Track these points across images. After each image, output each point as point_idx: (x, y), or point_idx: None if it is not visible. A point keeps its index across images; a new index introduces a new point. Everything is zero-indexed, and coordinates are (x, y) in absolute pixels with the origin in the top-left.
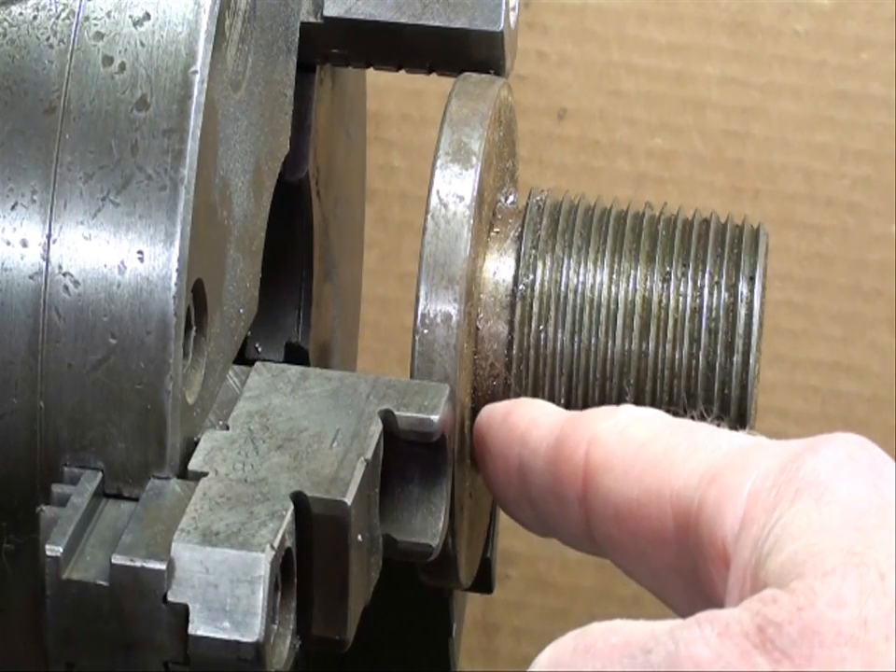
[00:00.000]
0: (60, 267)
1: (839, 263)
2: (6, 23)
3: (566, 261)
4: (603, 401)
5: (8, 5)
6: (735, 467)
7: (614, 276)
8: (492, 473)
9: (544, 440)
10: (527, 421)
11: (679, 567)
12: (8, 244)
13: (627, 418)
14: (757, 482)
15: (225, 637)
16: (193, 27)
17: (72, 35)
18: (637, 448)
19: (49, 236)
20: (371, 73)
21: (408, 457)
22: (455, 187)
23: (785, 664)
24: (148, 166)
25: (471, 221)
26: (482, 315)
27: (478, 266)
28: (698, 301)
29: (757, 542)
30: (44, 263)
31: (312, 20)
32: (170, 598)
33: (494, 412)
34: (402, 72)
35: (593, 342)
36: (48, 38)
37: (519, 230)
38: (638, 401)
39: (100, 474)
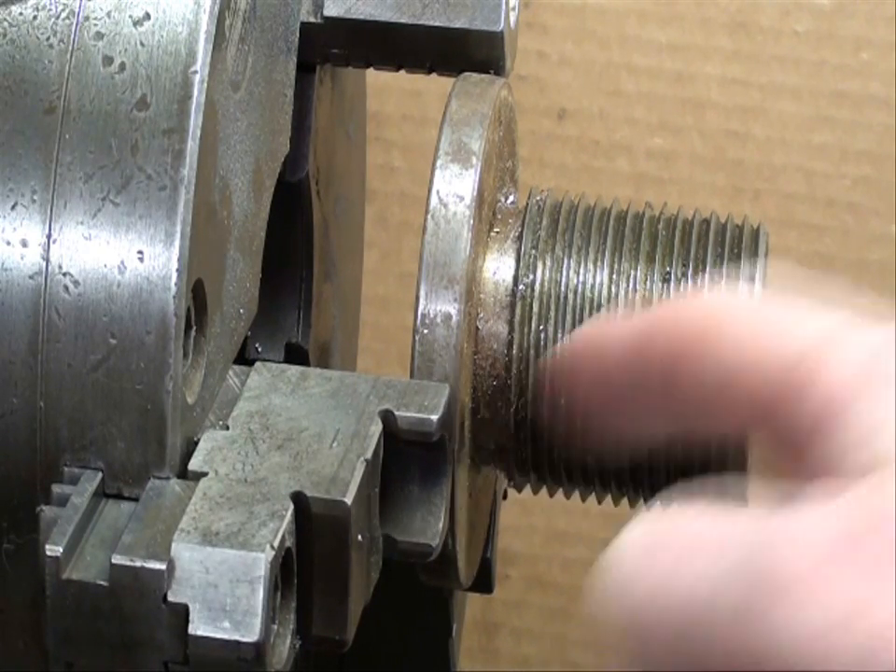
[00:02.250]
0: (60, 267)
1: (839, 263)
2: (6, 23)
3: (566, 261)
4: None
5: (8, 5)
6: (825, 351)
7: (614, 276)
8: (574, 382)
9: (628, 332)
10: (604, 328)
11: (768, 443)
12: (8, 244)
13: (716, 298)
14: (845, 367)
15: (225, 637)
16: (193, 27)
17: (72, 35)
18: (728, 328)
19: (49, 236)
20: (370, 73)
21: (408, 457)
22: (455, 187)
23: (885, 560)
24: (148, 166)
25: (471, 221)
26: (482, 315)
27: (478, 266)
28: None
29: (839, 435)
30: (44, 263)
31: (312, 20)
32: (170, 598)
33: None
34: (402, 72)
35: None
36: (48, 38)
37: (519, 230)
38: None
39: (100, 474)
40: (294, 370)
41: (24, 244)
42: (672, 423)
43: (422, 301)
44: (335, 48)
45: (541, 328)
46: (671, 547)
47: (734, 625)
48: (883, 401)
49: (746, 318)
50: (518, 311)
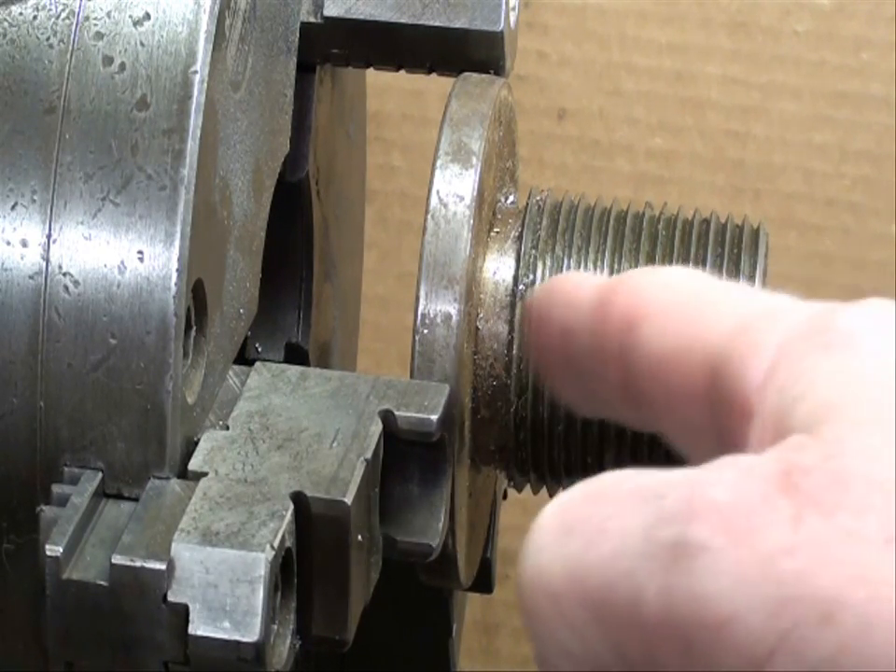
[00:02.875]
0: (60, 267)
1: (839, 263)
2: (6, 23)
3: (566, 261)
4: None
5: (8, 5)
6: (767, 319)
7: (614, 276)
8: (535, 342)
9: (587, 299)
10: (572, 285)
11: (710, 425)
12: (8, 244)
13: (671, 273)
14: (787, 331)
15: (225, 637)
16: (193, 27)
17: (72, 35)
18: (678, 300)
19: (49, 236)
20: (371, 73)
21: (408, 457)
22: (454, 187)
23: (809, 509)
24: (148, 166)
25: (471, 221)
26: (482, 315)
27: (478, 266)
28: None
29: (783, 391)
30: (44, 263)
31: (312, 20)
32: (170, 598)
33: (540, 287)
34: (402, 72)
35: None
36: (48, 38)
37: (519, 230)
38: None
39: (100, 474)
40: (294, 370)
41: (24, 244)
42: (622, 402)
43: (422, 301)
44: (335, 48)
45: None
46: (584, 524)
47: (651, 597)
48: (808, 370)
49: (685, 296)
50: (518, 311)
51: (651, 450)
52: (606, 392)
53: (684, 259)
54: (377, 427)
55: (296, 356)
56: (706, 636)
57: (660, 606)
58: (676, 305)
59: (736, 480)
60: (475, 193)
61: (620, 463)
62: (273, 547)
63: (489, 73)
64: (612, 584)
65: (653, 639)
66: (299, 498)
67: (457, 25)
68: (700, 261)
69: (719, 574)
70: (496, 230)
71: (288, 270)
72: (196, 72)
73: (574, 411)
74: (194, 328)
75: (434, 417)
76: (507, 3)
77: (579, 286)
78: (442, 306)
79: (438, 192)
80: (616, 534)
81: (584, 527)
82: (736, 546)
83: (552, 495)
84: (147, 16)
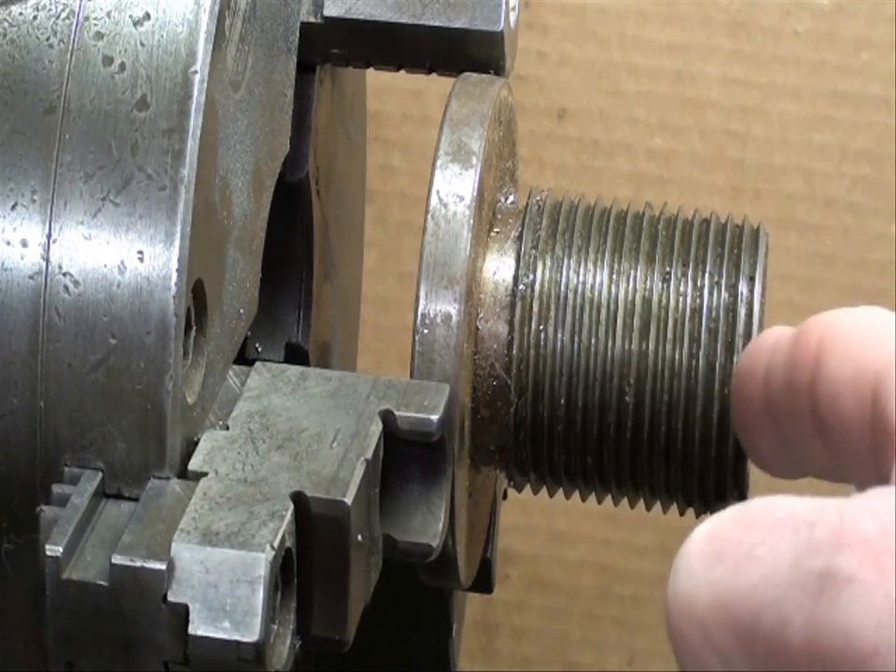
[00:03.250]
0: (60, 267)
1: (839, 263)
2: (6, 23)
3: (566, 261)
4: (603, 401)
5: (8, 5)
6: None
7: (614, 276)
8: (738, 395)
9: (787, 339)
10: (775, 334)
11: (872, 456)
12: (8, 244)
13: (867, 309)
14: None
15: (225, 636)
16: (193, 27)
17: (72, 35)
18: (863, 329)
19: (49, 236)
20: (371, 73)
21: (408, 457)
22: (454, 187)
23: None
24: (148, 166)
25: (471, 221)
26: (482, 315)
27: (478, 266)
28: (698, 301)
29: None
30: (44, 263)
31: (312, 20)
32: (170, 598)
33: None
34: (402, 72)
35: (593, 342)
36: (48, 38)
37: (519, 230)
38: (638, 401)
39: (100, 474)
40: (294, 370)
41: (24, 244)
42: (812, 440)
43: (422, 301)
44: (335, 48)
45: (541, 328)
46: (733, 550)
47: (797, 627)
48: None
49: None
50: (518, 311)
51: (650, 452)
52: (798, 433)
53: (684, 259)
54: (377, 427)
55: (296, 356)
56: (849, 668)
57: (806, 635)
58: (860, 334)
59: (888, 510)
60: (475, 193)
61: (619, 464)
62: (273, 547)
63: (489, 73)
64: (759, 612)
65: (798, 669)
66: (299, 498)
67: (457, 25)
68: (700, 261)
69: (865, 607)
70: (496, 230)
71: (288, 270)
72: (196, 72)
73: (769, 472)
74: (194, 328)
75: (434, 417)
76: (507, 3)
77: (781, 333)
78: (442, 306)
79: (438, 192)
80: (765, 561)
81: (733, 553)
82: (883, 579)
83: (551, 495)
84: (147, 16)
